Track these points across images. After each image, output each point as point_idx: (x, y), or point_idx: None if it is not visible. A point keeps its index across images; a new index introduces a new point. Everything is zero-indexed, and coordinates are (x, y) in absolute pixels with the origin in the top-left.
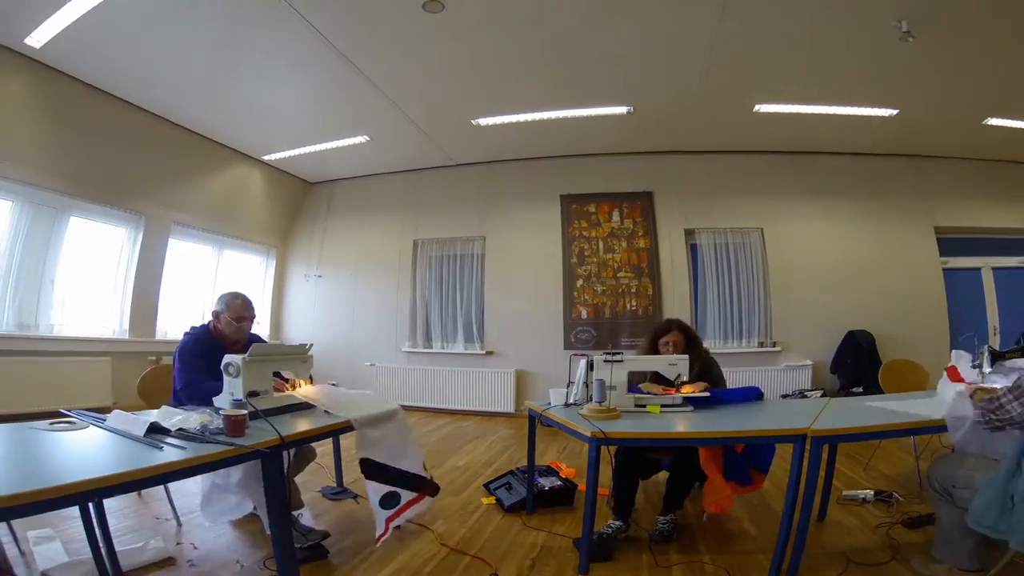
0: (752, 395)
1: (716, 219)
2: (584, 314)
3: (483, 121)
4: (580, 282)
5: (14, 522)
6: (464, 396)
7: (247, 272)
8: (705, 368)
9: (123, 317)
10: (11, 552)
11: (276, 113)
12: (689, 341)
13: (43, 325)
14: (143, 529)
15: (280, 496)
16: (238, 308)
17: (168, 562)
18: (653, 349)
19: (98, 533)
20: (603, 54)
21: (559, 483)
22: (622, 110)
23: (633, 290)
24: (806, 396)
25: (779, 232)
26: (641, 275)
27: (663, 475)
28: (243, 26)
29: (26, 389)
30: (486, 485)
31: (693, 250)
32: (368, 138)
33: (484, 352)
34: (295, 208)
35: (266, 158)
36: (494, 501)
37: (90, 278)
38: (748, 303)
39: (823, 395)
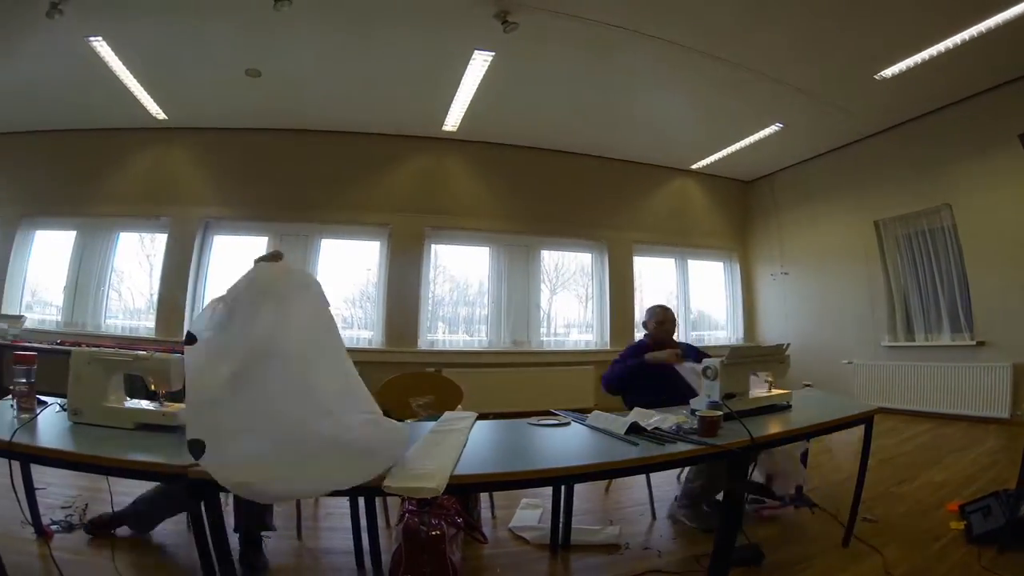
0: None
1: None
2: None
3: (887, 72)
4: None
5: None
6: (948, 397)
7: (712, 278)
8: None
9: (603, 330)
10: (485, 515)
11: (682, 124)
12: None
13: (533, 341)
14: (596, 513)
15: (739, 495)
16: (657, 312)
17: (613, 548)
18: None
19: (563, 510)
20: None
21: None
22: None
23: None
24: None
25: None
26: None
27: None
28: (607, 55)
29: (522, 393)
30: (961, 507)
31: None
32: (782, 125)
33: (973, 343)
34: (741, 209)
35: (694, 167)
36: (963, 527)
37: (565, 299)
38: None
39: None
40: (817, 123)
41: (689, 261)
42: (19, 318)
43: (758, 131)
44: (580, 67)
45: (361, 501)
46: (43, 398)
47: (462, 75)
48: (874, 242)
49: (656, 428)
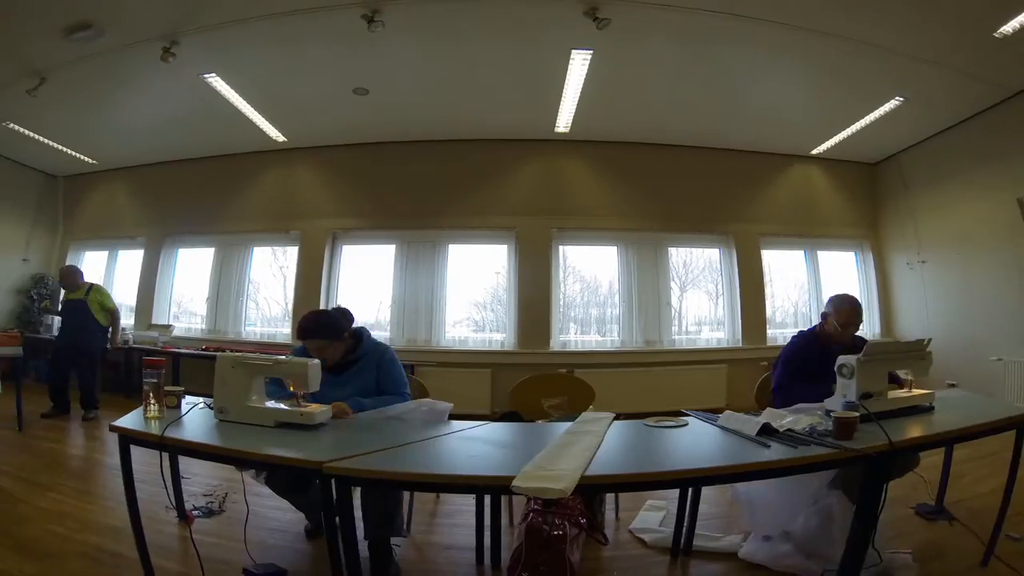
0: None
1: None
2: None
3: (1007, 28)
4: None
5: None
6: None
7: (843, 269)
8: None
9: (735, 327)
10: (609, 516)
11: (796, 108)
12: None
13: (665, 340)
14: (723, 519)
15: (870, 505)
16: (845, 313)
17: (731, 557)
18: None
19: (687, 514)
20: None
21: None
22: None
23: None
24: None
25: None
26: None
27: None
28: (707, 42)
29: (653, 393)
30: None
31: None
32: (903, 99)
33: None
34: (869, 194)
35: (814, 152)
36: None
37: (695, 297)
38: None
39: None
40: (940, 92)
41: (819, 252)
42: (168, 327)
43: (877, 108)
44: (682, 57)
45: (487, 499)
46: (192, 398)
47: (564, 76)
48: (1020, 221)
49: (789, 430)
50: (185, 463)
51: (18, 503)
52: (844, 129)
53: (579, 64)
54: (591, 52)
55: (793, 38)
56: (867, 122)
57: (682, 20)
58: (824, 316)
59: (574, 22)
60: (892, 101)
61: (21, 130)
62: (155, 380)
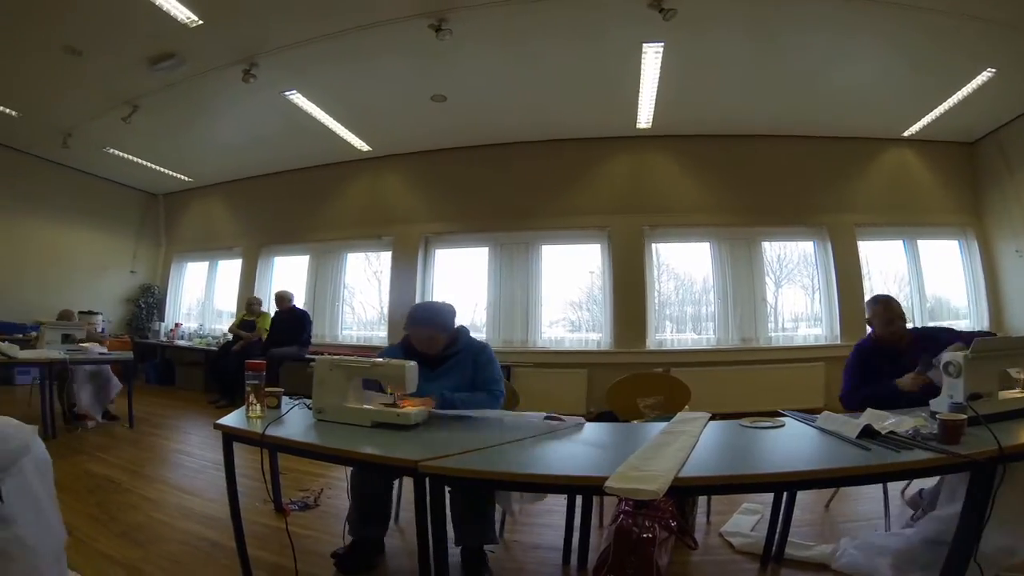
0: None
1: None
2: None
3: None
4: None
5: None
6: None
7: (946, 260)
8: None
9: (832, 323)
10: (700, 520)
11: (882, 87)
12: None
13: (761, 338)
14: (818, 526)
15: (975, 515)
16: (878, 312)
17: (822, 567)
18: None
19: (780, 520)
20: None
21: None
22: None
23: None
24: None
25: None
26: None
27: None
28: (781, 24)
29: (749, 392)
30: None
31: None
32: (994, 70)
33: None
34: (969, 176)
35: (906, 134)
36: None
37: (791, 292)
38: None
39: None
40: None
41: (919, 242)
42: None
43: (967, 83)
44: (756, 43)
45: (578, 499)
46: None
47: (639, 71)
48: None
49: (891, 432)
50: (284, 459)
51: (125, 492)
52: (935, 108)
53: (652, 58)
54: (662, 44)
55: (867, 14)
56: (958, 99)
57: (750, 5)
58: (868, 321)
59: (640, 16)
60: (984, 74)
61: (120, 154)
62: (256, 382)
